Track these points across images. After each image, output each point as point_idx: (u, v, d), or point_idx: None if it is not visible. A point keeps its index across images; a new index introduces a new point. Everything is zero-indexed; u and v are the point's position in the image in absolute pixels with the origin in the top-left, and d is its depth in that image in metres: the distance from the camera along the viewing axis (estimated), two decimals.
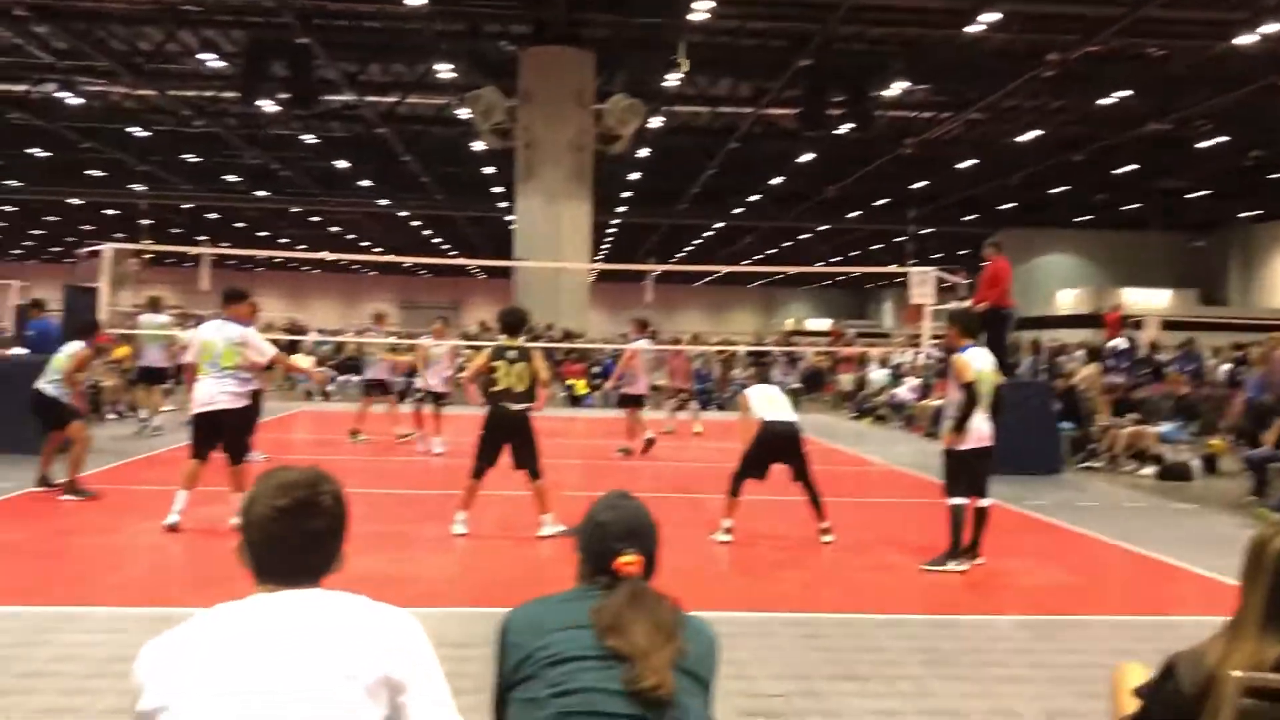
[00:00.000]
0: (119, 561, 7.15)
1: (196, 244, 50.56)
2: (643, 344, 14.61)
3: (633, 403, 14.24)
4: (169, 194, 42.59)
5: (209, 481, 8.20)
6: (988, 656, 5.48)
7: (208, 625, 1.98)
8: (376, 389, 14.99)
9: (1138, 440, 13.69)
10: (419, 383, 14.03)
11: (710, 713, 2.19)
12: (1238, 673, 2.20)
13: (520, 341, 8.39)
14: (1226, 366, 17.72)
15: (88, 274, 13.11)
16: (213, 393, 8.05)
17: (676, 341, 22.08)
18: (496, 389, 8.03)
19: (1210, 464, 13.88)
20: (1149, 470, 13.37)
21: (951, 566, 7.41)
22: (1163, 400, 14.59)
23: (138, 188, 42.39)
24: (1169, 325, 27.50)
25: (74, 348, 9.73)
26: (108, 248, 12.27)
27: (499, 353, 8.14)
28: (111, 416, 16.41)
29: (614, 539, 2.33)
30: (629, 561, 2.30)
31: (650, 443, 14.04)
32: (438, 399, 13.62)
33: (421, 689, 1.96)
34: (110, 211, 50.36)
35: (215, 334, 8.20)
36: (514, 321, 8.49)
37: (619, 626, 2.15)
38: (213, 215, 51.65)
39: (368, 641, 1.95)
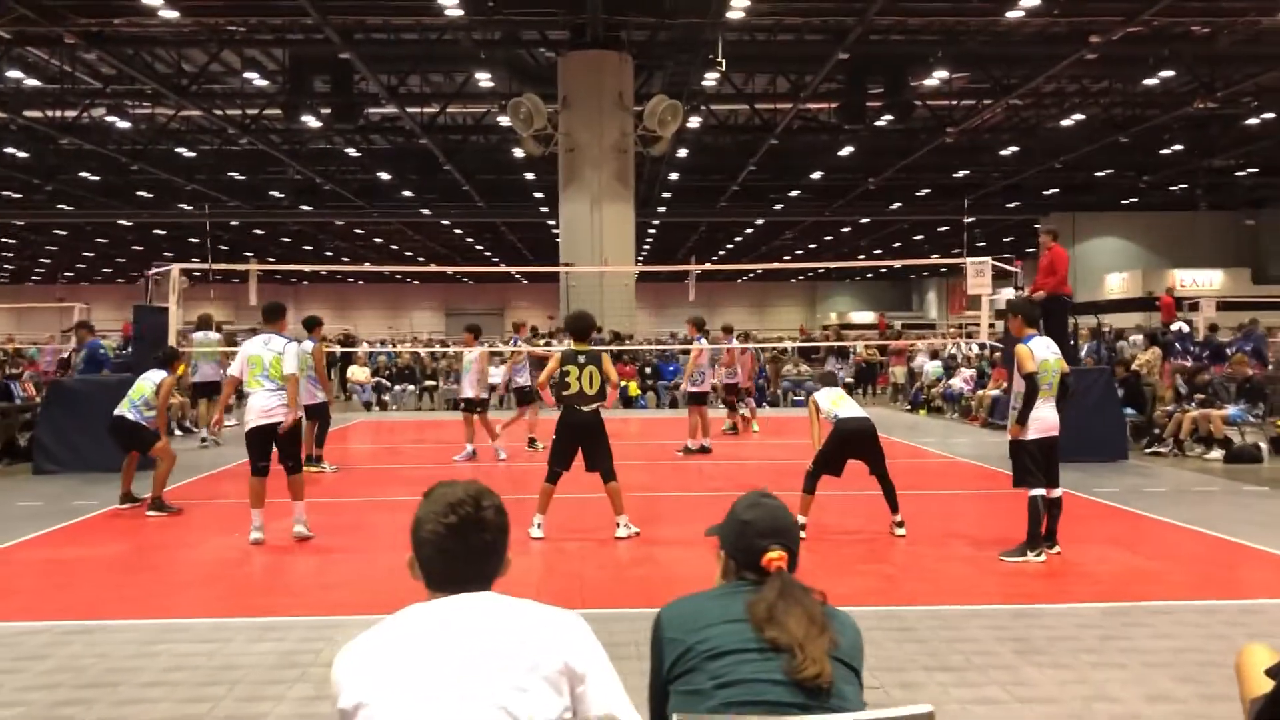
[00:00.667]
0: (212, 573, 7.33)
1: (244, 260, 51.44)
2: (703, 342, 14.65)
3: (698, 400, 14.29)
4: (216, 212, 43.26)
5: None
6: (1080, 644, 5.49)
7: (397, 626, 2.09)
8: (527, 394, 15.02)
9: (1203, 424, 13.55)
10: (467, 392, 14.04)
11: (863, 699, 2.26)
12: None
13: (589, 346, 8.50)
14: None
15: (157, 294, 13.41)
16: (270, 405, 8.21)
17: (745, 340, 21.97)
18: (569, 392, 8.16)
19: (1279, 446, 13.72)
20: (1216, 454, 13.22)
21: (1030, 557, 7.41)
22: (1228, 382, 14.41)
23: (186, 207, 43.11)
24: (1223, 306, 27.14)
25: (158, 376, 9.99)
26: (175, 268, 12.53)
27: (570, 357, 8.27)
28: (178, 433, 16.74)
29: (759, 536, 2.43)
30: (775, 557, 2.39)
31: (705, 450, 14.11)
32: (473, 406, 13.69)
33: (598, 679, 2.09)
34: (159, 231, 51.26)
35: (261, 349, 8.34)
36: (583, 327, 8.62)
37: (775, 619, 2.25)
38: (259, 231, 52.37)
39: (547, 637, 2.07)
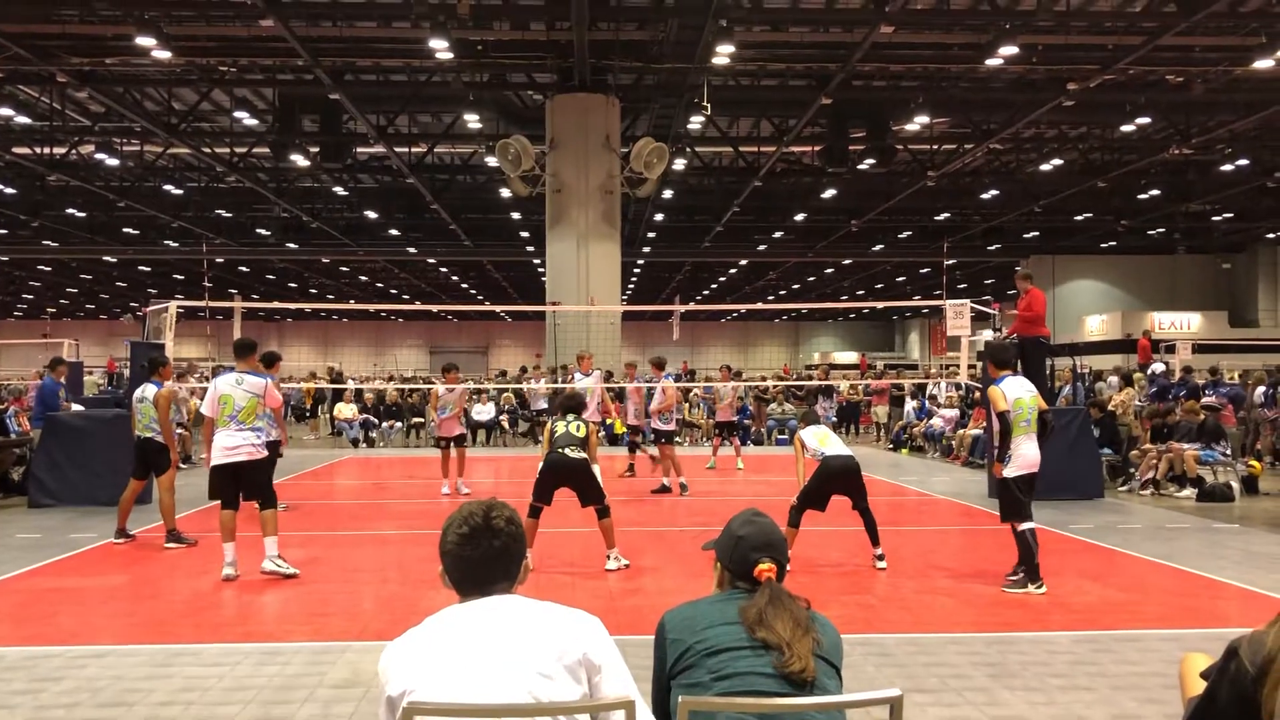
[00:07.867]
0: (213, 602, 7.53)
1: (229, 298, 51.49)
2: (670, 380, 15.04)
3: (667, 439, 14.47)
4: (204, 250, 43.50)
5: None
6: (1050, 669, 5.75)
7: (435, 624, 2.37)
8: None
9: (1177, 463, 13.86)
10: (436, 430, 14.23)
11: (842, 691, 2.54)
12: None
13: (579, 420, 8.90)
14: (1261, 389, 17.84)
15: (152, 330, 13.60)
16: (233, 444, 8.23)
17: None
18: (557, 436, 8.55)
19: (1250, 485, 14.05)
20: (1189, 492, 13.54)
21: (1032, 589, 7.64)
22: (1195, 423, 14.73)
23: (171, 243, 43.29)
24: (1199, 348, 27.58)
25: (150, 391, 10.06)
26: (173, 304, 12.77)
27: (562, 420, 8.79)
28: (183, 466, 16.69)
29: (752, 550, 2.75)
30: (766, 568, 2.71)
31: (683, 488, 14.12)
32: (458, 442, 13.88)
33: (612, 670, 2.38)
34: (144, 268, 51.37)
35: (233, 388, 8.38)
36: (574, 406, 9.05)
37: (765, 622, 2.56)
38: (244, 269, 52.57)
39: (568, 631, 2.36)
